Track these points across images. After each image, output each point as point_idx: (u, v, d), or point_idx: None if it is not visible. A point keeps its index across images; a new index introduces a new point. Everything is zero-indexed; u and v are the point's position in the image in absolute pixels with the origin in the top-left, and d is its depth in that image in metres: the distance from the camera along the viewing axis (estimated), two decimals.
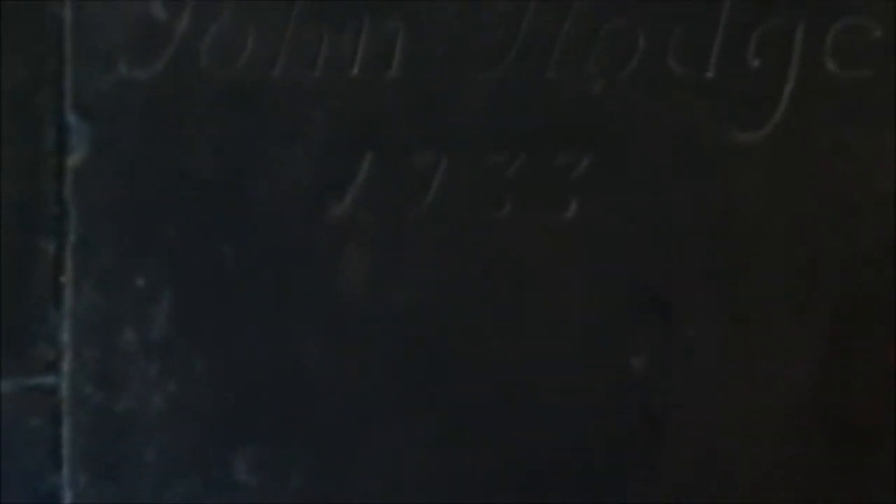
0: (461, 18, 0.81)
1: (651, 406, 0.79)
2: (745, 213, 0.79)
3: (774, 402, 0.79)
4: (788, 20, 0.79)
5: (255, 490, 0.80)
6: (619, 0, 0.80)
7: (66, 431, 0.80)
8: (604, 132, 0.80)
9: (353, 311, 0.81)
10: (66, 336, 0.80)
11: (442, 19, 0.81)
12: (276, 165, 0.81)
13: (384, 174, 0.81)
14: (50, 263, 0.81)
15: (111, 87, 0.81)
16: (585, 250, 0.80)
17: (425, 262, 0.81)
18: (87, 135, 0.81)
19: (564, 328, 0.80)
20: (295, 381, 0.81)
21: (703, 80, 0.79)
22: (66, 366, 0.80)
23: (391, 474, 0.80)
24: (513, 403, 0.80)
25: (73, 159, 0.81)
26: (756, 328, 0.79)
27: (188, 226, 0.82)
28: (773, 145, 0.79)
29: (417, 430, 0.80)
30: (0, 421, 0.79)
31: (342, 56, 0.81)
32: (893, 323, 0.79)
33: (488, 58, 0.80)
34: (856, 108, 0.79)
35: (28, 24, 0.80)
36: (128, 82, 0.81)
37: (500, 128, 0.80)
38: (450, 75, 0.81)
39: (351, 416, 0.80)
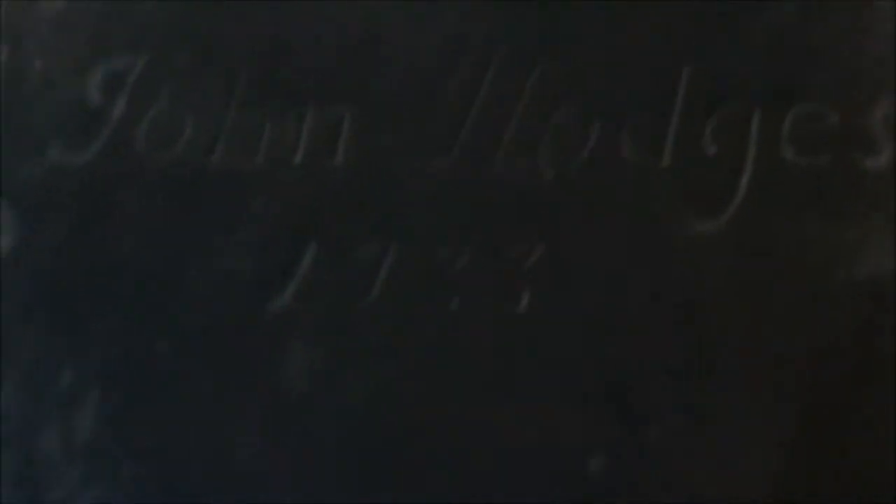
0: (409, 105, 0.78)
1: None
2: (706, 304, 0.76)
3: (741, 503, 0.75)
4: (744, 106, 0.77)
5: None
6: (571, 87, 0.78)
7: None
8: (556, 222, 0.77)
9: (297, 410, 0.76)
10: None
11: (390, 105, 0.78)
12: (214, 256, 0.78)
13: (328, 265, 0.77)
14: None
15: (42, 173, 0.78)
16: (538, 345, 0.76)
17: (372, 358, 0.77)
18: (15, 222, 0.77)
19: (517, 427, 0.76)
20: (234, 487, 0.76)
21: (659, 168, 0.77)
22: None
23: None
24: None
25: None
26: (721, 426, 0.75)
27: (120, 320, 0.77)
28: (732, 234, 0.76)
29: None
30: None
31: (285, 142, 0.78)
32: (861, 419, 0.75)
33: (437, 146, 0.78)
34: (815, 195, 0.76)
35: None
36: (59, 168, 0.78)
37: (448, 218, 0.77)
38: (397, 163, 0.78)
39: None
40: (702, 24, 0.79)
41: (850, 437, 0.75)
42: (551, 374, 0.76)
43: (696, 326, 0.76)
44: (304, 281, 0.77)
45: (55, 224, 0.78)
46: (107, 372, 0.77)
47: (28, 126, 0.78)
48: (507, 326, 0.77)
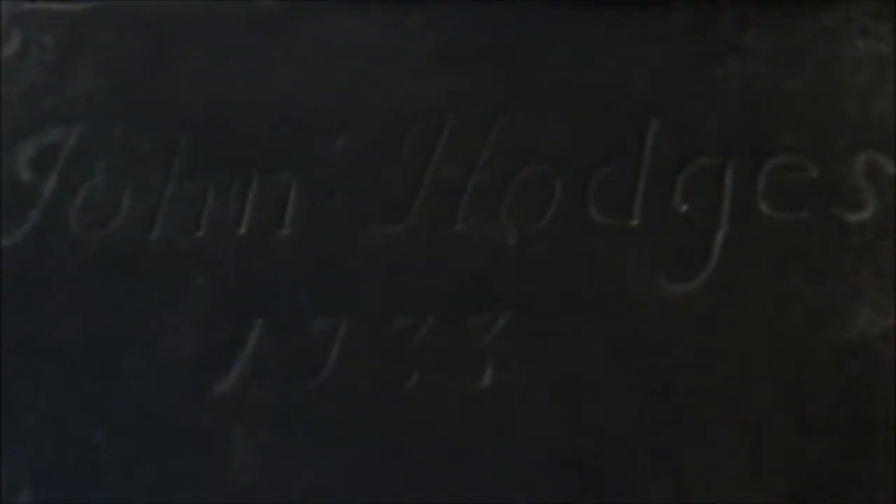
0: (361, 169, 0.73)
1: None
2: (681, 373, 0.71)
3: None
4: (717, 161, 0.72)
5: None
6: (533, 145, 0.73)
7: None
8: (520, 289, 0.72)
9: (245, 499, 0.70)
10: None
11: (338, 170, 0.73)
12: (153, 337, 0.73)
13: (276, 344, 0.73)
14: None
15: None
16: (503, 422, 0.71)
17: (324, 442, 0.72)
18: None
19: None
20: None
21: (628, 229, 0.72)
22: None
23: None
24: None
25: None
26: (701, 501, 0.69)
27: (53, 409, 0.72)
28: (708, 297, 0.71)
29: None
30: None
31: (228, 214, 0.73)
32: (853, 493, 0.69)
33: (390, 210, 0.73)
34: (796, 252, 0.71)
35: None
36: None
37: (405, 288, 0.72)
38: (348, 231, 0.73)
39: None
40: (669, 74, 0.74)
41: None
42: (518, 452, 0.70)
43: (671, 396, 0.70)
44: (251, 361, 0.72)
45: None
46: (39, 465, 0.71)
47: None
48: (469, 402, 0.71)
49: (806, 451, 0.70)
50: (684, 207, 0.72)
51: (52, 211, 0.74)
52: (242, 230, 0.74)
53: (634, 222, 0.72)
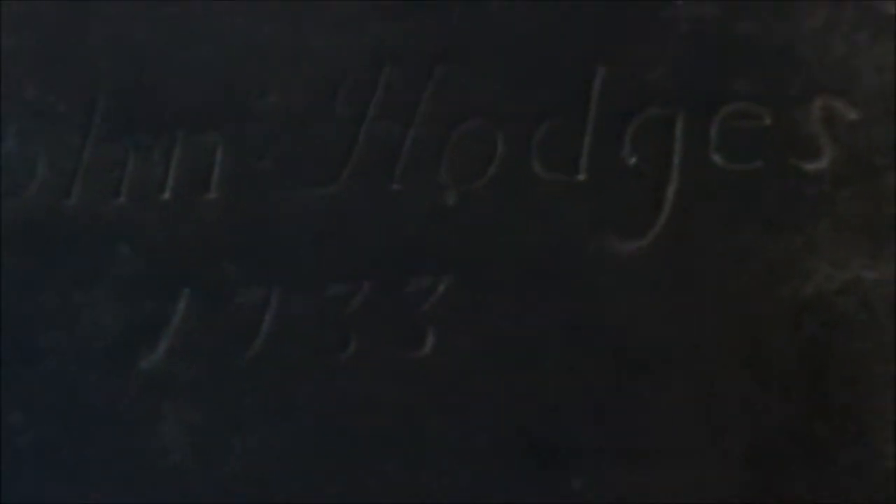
0: (290, 128, 0.69)
1: None
2: (633, 335, 0.67)
3: None
4: (666, 111, 0.68)
5: None
6: (472, 99, 0.69)
7: None
8: (461, 251, 0.68)
9: (175, 480, 0.67)
10: None
11: (267, 130, 0.69)
12: (73, 312, 0.70)
13: (204, 316, 0.69)
14: None
15: None
16: (446, 391, 0.68)
17: (257, 417, 0.68)
18: None
19: (424, 483, 0.66)
20: None
21: (574, 184, 0.68)
22: None
23: None
24: None
25: None
26: (656, 470, 0.66)
27: None
28: (659, 254, 0.68)
29: None
30: None
31: (151, 178, 0.70)
32: (815, 455, 0.65)
33: (322, 171, 0.69)
34: (750, 205, 0.67)
35: None
36: None
37: (339, 253, 0.69)
38: (278, 195, 0.69)
39: None
40: (615, 21, 0.70)
41: (800, 475, 0.66)
42: (461, 423, 0.67)
43: (622, 359, 0.67)
44: (178, 334, 0.68)
45: None
46: None
47: None
48: (410, 371, 0.67)
49: (763, 410, 0.66)
50: (633, 160, 0.69)
51: None
52: (166, 195, 0.70)
53: (581, 177, 0.69)
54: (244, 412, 0.68)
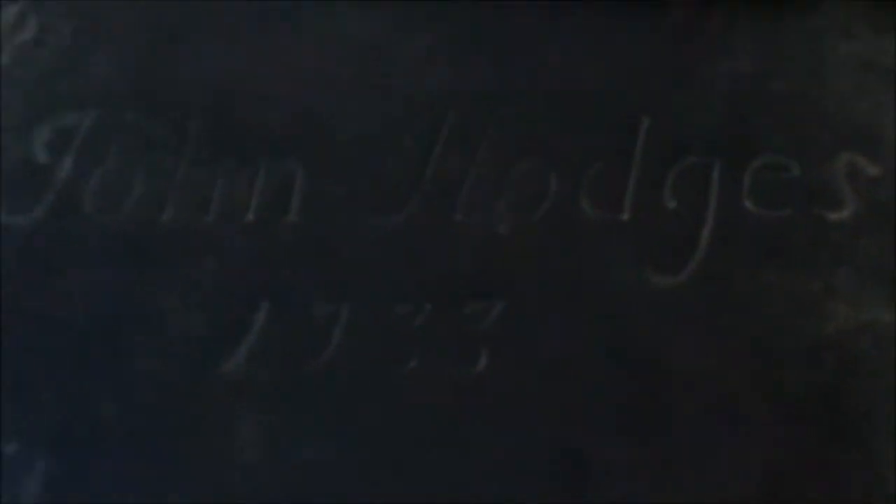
0: (364, 159, 0.76)
1: None
2: (666, 362, 0.74)
3: None
4: (704, 159, 0.76)
5: None
6: (529, 140, 0.76)
7: None
8: (514, 279, 0.75)
9: (249, 475, 0.73)
10: None
11: (343, 160, 0.76)
12: (163, 317, 0.75)
13: (281, 326, 0.75)
14: None
15: None
16: (496, 406, 0.74)
17: (326, 421, 0.74)
18: None
19: (474, 491, 0.73)
20: None
21: (618, 222, 0.75)
22: None
23: None
24: None
25: None
26: (684, 487, 0.73)
27: (66, 384, 0.75)
28: (693, 289, 0.74)
29: None
30: None
31: (236, 200, 0.76)
32: (828, 480, 0.72)
33: (392, 200, 0.76)
34: (776, 248, 0.74)
35: None
36: (4, 228, 0.75)
37: (404, 275, 0.75)
38: (351, 219, 0.76)
39: None
40: (660, 75, 0.77)
41: (813, 497, 0.72)
42: (509, 435, 0.74)
43: (656, 384, 0.74)
44: (257, 342, 0.75)
45: None
46: (52, 438, 0.74)
47: None
48: (464, 386, 0.74)
49: (783, 440, 0.73)
50: (673, 203, 0.76)
51: (67, 192, 0.77)
52: (250, 216, 0.76)
53: (625, 216, 0.76)
54: (313, 415, 0.75)
